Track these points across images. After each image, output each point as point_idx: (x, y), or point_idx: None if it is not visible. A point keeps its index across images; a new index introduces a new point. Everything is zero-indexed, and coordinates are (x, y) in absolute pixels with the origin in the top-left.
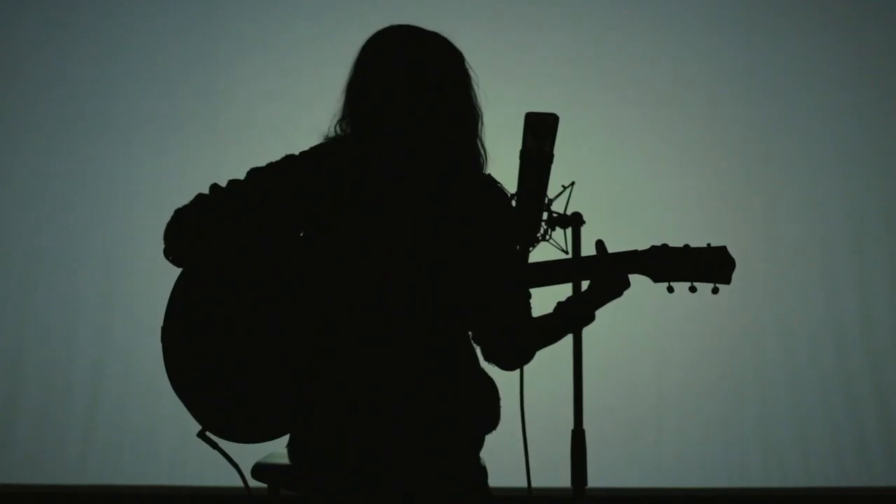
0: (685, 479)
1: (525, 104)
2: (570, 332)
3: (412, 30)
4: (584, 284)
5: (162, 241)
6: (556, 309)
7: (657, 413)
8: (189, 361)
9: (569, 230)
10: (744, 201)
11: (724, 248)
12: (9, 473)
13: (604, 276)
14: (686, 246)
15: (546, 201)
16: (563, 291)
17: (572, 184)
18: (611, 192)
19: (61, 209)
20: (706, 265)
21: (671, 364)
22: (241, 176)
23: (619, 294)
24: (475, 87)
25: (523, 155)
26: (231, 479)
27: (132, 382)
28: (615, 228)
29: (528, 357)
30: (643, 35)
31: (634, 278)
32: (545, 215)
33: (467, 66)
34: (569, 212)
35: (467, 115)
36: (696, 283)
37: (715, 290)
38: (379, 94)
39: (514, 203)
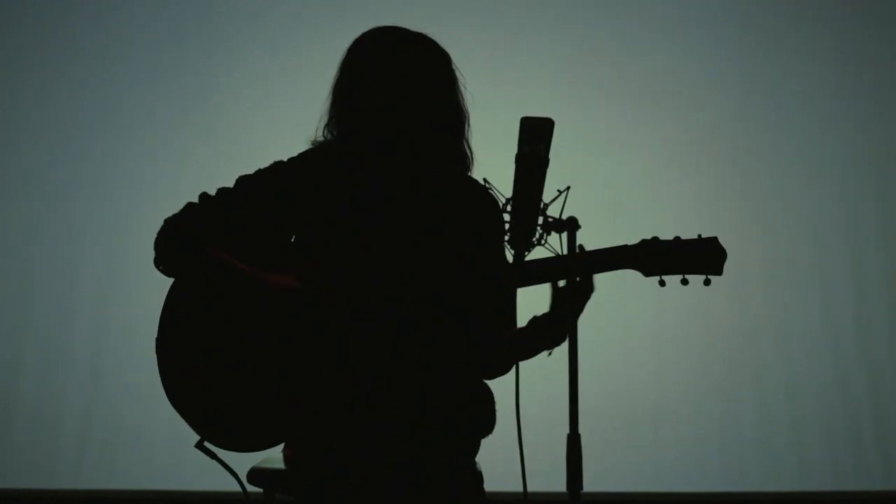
0: (681, 483)
1: (520, 108)
2: (545, 348)
3: (397, 31)
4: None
5: (153, 251)
6: (529, 323)
7: (653, 417)
8: (183, 373)
9: (564, 235)
10: (740, 204)
11: (714, 239)
12: (4, 478)
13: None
14: (676, 238)
15: (541, 206)
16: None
17: (567, 188)
18: (606, 196)
19: (57, 212)
20: (697, 257)
21: (667, 368)
22: (232, 182)
23: (586, 298)
24: (462, 88)
25: (519, 160)
26: (227, 484)
27: (128, 386)
28: (611, 232)
29: (504, 369)
30: (638, 38)
31: (627, 274)
32: (540, 220)
33: (453, 67)
34: (564, 216)
35: (453, 116)
36: (687, 276)
37: (707, 282)
38: (363, 97)
39: (509, 208)
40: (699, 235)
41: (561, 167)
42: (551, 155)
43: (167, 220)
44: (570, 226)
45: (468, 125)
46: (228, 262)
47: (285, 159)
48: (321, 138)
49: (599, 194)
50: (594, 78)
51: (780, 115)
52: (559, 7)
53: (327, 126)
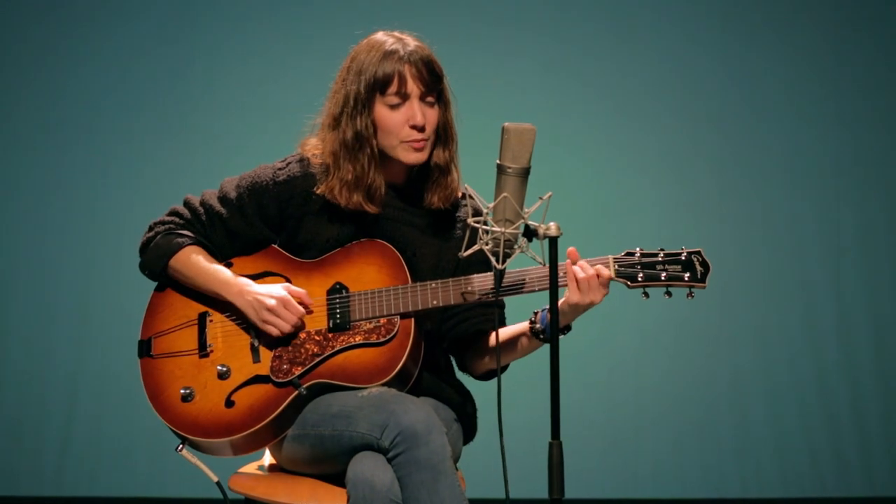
0: (662, 489)
1: (502, 114)
2: (544, 344)
3: (396, 40)
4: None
5: (138, 254)
6: (530, 322)
7: (635, 424)
8: (165, 377)
9: (546, 242)
10: (719, 211)
11: (699, 252)
12: None
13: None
14: (661, 250)
15: (523, 213)
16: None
17: (549, 195)
18: (588, 202)
19: (37, 219)
20: (682, 269)
21: (648, 375)
22: (216, 185)
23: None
24: (454, 109)
25: (500, 167)
26: (208, 491)
27: (109, 394)
28: (592, 239)
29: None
30: (621, 44)
31: (610, 285)
32: (522, 227)
33: (445, 84)
34: (546, 223)
35: (448, 135)
36: (671, 289)
37: (690, 294)
38: (353, 106)
39: (490, 215)
40: (683, 248)
41: (543, 174)
42: (533, 161)
43: (152, 225)
44: (552, 233)
45: (455, 145)
46: (213, 269)
47: (270, 164)
48: (311, 136)
49: (581, 201)
50: (576, 84)
51: (762, 120)
52: (539, 12)
53: (321, 131)
